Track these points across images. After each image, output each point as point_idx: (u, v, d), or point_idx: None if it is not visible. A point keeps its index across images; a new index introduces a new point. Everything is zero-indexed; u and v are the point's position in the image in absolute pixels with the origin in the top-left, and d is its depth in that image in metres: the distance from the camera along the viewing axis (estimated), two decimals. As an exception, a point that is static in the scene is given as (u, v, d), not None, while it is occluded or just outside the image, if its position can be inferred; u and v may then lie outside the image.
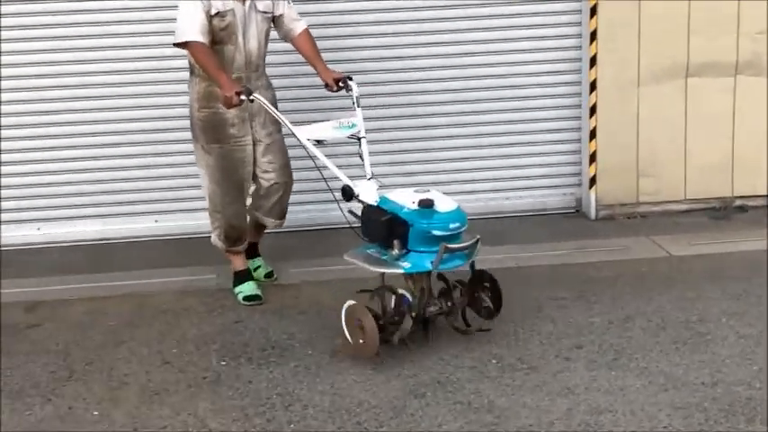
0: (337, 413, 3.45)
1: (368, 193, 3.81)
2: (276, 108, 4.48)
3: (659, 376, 3.67)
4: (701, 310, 4.32)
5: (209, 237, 4.68)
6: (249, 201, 4.57)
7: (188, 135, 4.70)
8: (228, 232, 4.53)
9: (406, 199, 3.66)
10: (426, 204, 3.60)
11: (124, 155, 5.69)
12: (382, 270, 3.65)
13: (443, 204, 3.67)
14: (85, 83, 5.57)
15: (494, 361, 3.81)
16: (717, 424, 3.30)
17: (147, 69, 5.59)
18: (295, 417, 3.45)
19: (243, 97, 4.02)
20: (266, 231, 4.80)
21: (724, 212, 5.76)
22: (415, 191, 3.69)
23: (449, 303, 3.80)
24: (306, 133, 3.95)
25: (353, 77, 4.29)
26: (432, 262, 3.60)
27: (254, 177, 4.50)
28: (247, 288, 4.61)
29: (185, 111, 4.86)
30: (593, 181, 5.86)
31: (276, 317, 4.42)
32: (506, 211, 5.92)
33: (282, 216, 4.59)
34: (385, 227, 3.63)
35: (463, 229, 3.68)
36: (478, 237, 3.70)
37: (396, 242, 3.64)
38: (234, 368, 3.87)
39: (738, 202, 5.86)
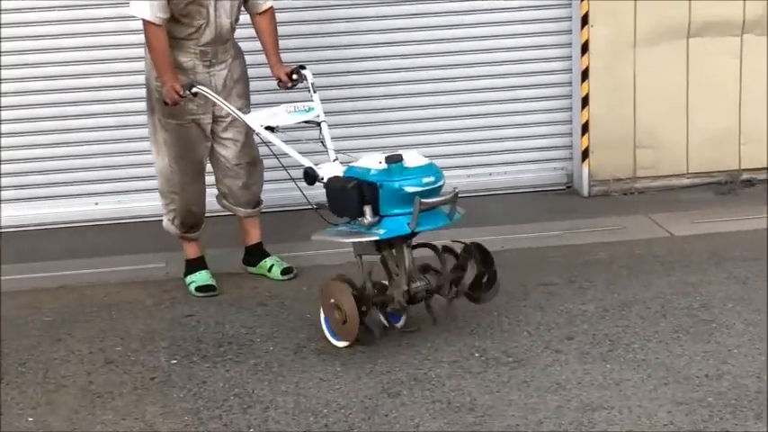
0: (302, 415, 3.43)
1: (332, 172, 3.88)
2: (247, 77, 4.49)
3: (659, 369, 3.66)
4: (704, 295, 4.32)
5: (160, 220, 4.67)
6: (217, 188, 4.59)
7: (132, 107, 4.82)
8: (185, 217, 4.55)
9: (372, 162, 3.70)
10: (394, 160, 3.64)
11: (59, 129, 5.69)
12: (356, 239, 3.68)
13: (414, 160, 3.71)
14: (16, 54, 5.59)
15: (476, 355, 3.82)
16: (722, 420, 3.28)
17: (82, 33, 5.61)
18: (255, 420, 3.43)
19: (184, 93, 4.11)
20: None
21: (730, 187, 5.78)
22: (382, 153, 3.74)
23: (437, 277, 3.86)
24: (258, 120, 4.02)
25: (307, 66, 4.38)
26: (408, 223, 3.64)
27: (213, 155, 4.54)
28: (200, 278, 4.60)
29: (129, 79, 4.94)
30: (585, 154, 5.86)
31: (233, 309, 4.40)
32: (490, 188, 5.93)
33: (252, 205, 4.61)
34: (352, 194, 3.65)
35: (439, 184, 3.71)
36: (456, 188, 3.74)
37: (367, 209, 3.67)
38: (186, 367, 3.85)
39: (746, 176, 5.88)
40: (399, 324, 3.95)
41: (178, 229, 4.57)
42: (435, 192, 3.73)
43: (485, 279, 3.95)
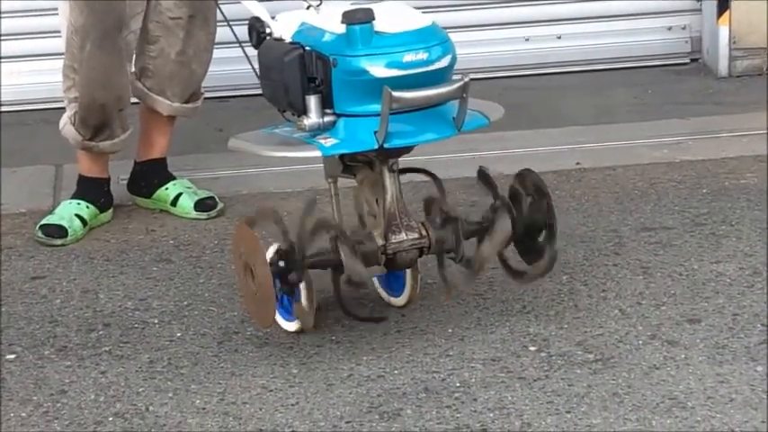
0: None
1: (288, 26, 3.30)
2: None
3: None
4: None
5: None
6: (135, 63, 4.17)
7: None
8: (89, 108, 3.97)
9: (331, 20, 3.22)
10: (357, 20, 3.13)
11: None
12: (285, 153, 3.26)
13: (395, 19, 3.21)
14: None
15: (531, 348, 3.29)
16: None
17: None
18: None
19: None
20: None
21: None
22: (353, 4, 3.26)
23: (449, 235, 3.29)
24: None
25: None
26: (376, 132, 3.19)
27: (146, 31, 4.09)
28: (64, 211, 3.99)
29: None
30: (723, 4, 5.21)
31: (112, 268, 3.87)
32: (560, 60, 5.34)
33: (187, 96, 4.13)
34: (291, 71, 3.20)
35: (437, 65, 3.22)
36: (466, 78, 3.25)
37: (311, 100, 3.18)
38: (32, 366, 3.32)
39: None
40: (400, 298, 3.42)
41: (79, 131, 3.97)
42: (429, 78, 3.20)
43: (541, 235, 3.42)
